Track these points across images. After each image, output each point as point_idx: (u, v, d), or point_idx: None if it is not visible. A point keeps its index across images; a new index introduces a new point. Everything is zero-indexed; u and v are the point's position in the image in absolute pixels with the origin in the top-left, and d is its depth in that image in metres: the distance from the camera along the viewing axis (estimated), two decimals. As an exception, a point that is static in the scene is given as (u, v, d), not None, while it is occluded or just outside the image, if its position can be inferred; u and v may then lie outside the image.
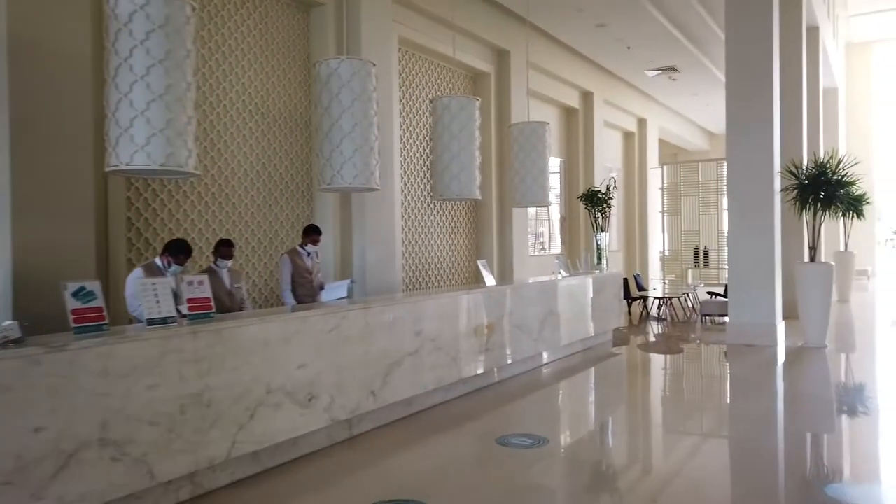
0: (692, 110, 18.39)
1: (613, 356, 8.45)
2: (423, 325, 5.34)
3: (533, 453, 4.39)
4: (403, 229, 8.61)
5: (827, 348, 8.24)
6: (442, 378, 5.53)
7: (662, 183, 16.96)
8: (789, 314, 9.30)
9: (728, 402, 6.32)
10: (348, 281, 5.92)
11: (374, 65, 5.50)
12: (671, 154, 20.94)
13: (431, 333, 5.42)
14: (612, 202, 9.55)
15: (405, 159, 8.69)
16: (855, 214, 12.78)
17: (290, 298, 5.74)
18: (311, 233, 5.87)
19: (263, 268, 6.69)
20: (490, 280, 6.61)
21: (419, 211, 9.01)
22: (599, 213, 9.23)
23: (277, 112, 6.97)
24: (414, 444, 4.70)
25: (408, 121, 8.80)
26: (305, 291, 5.77)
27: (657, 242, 16.95)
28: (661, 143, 19.40)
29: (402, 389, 5.07)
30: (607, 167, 15.06)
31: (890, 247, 26.67)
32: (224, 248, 5.22)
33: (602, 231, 9.24)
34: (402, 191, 8.59)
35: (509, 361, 6.60)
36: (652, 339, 10.28)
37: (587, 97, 13.31)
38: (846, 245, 14.07)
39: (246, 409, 3.82)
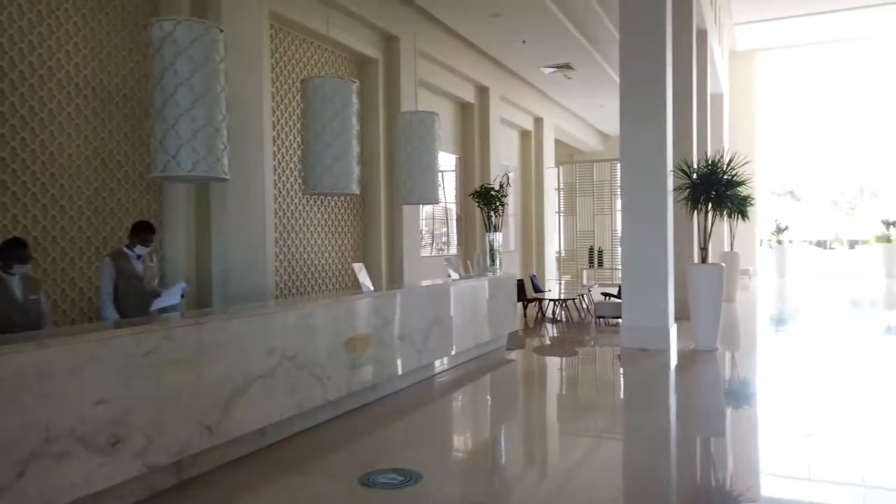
0: (587, 111, 18.44)
1: (507, 363, 7.93)
2: (279, 340, 4.51)
3: (400, 496, 3.68)
4: (277, 228, 7.70)
5: (717, 351, 8.10)
6: (303, 402, 4.73)
7: (558, 183, 16.86)
8: (681, 314, 9.17)
9: (622, 414, 5.90)
10: (181, 286, 4.95)
11: (222, 30, 4.62)
12: (567, 155, 20.99)
13: (290, 350, 4.60)
14: (507, 200, 9.04)
15: (279, 149, 7.78)
16: (740, 215, 13.15)
17: (110, 311, 4.71)
18: (141, 231, 4.87)
19: (94, 273, 5.60)
20: (367, 284, 5.86)
21: (297, 207, 8.12)
22: (493, 212, 8.70)
23: (115, 88, 5.89)
24: (258, 487, 3.87)
25: (283, 106, 7.89)
26: (134, 302, 4.77)
27: (554, 243, 16.83)
28: (558, 143, 19.37)
29: (250, 420, 4.23)
30: (504, 165, 14.70)
31: (767, 247, 28.22)
32: (18, 250, 4.14)
33: (496, 230, 8.72)
34: (277, 184, 7.67)
35: (390, 376, 5.88)
36: (547, 342, 9.90)
37: (483, 92, 12.84)
38: (732, 245, 14.42)
39: (12, 464, 2.87)
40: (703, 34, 13.39)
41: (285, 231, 7.90)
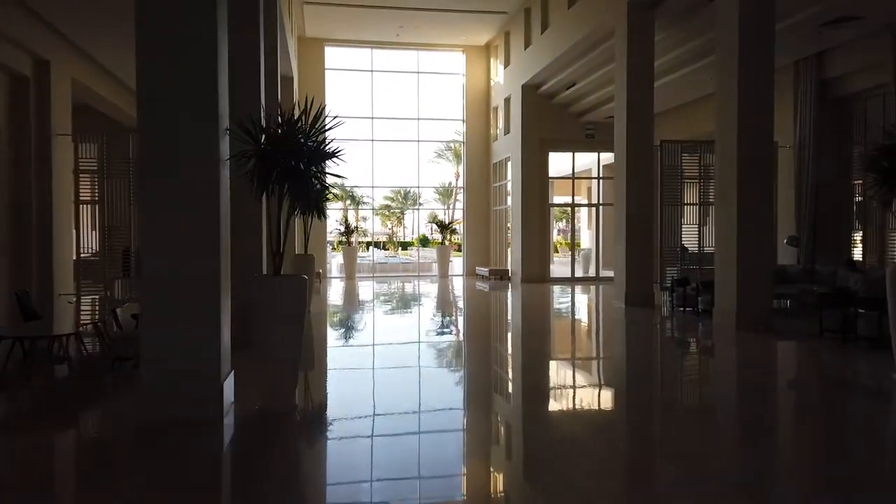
0: (127, 69, 13.94)
1: None
2: None
3: None
4: None
5: (293, 412, 5.29)
6: None
7: (77, 161, 12.05)
8: (243, 336, 6.20)
9: None
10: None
11: None
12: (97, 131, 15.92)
13: None
14: None
15: None
16: (317, 213, 10.85)
17: None
18: None
19: None
20: None
21: None
22: None
23: None
24: None
25: None
26: None
27: (70, 243, 11.98)
28: (83, 111, 14.41)
29: None
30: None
31: (330, 248, 27.64)
32: None
33: None
34: None
35: None
36: (27, 409, 5.66)
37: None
38: (306, 247, 12.11)
39: None
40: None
41: None
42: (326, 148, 5.33)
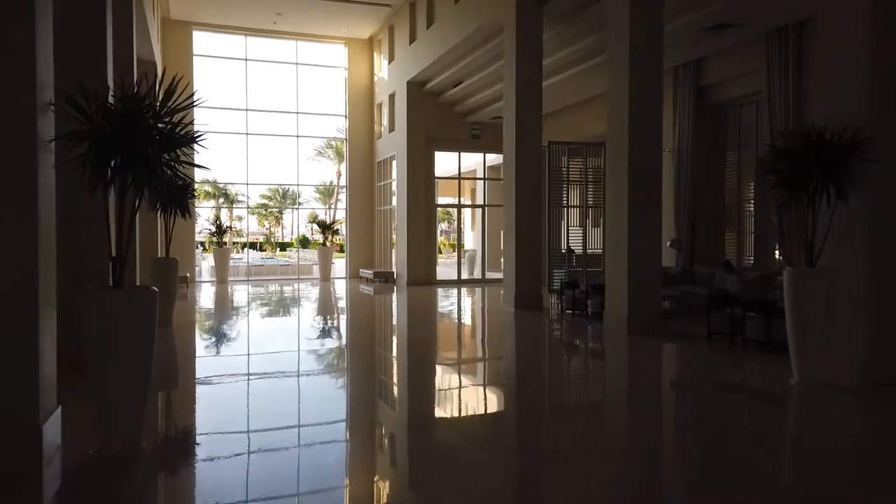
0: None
1: None
2: None
3: None
4: None
5: (145, 442, 4.32)
6: None
7: None
8: (75, 361, 5.09)
9: None
10: None
11: None
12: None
13: None
14: None
15: None
16: (179, 211, 9.63)
17: None
18: None
19: None
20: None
21: None
22: None
23: None
24: None
25: None
26: None
27: None
28: None
29: None
30: None
31: (202, 249, 25.61)
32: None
33: None
34: None
35: None
36: None
37: None
38: (168, 250, 10.76)
39: None
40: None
41: None
42: (184, 131, 4.39)
